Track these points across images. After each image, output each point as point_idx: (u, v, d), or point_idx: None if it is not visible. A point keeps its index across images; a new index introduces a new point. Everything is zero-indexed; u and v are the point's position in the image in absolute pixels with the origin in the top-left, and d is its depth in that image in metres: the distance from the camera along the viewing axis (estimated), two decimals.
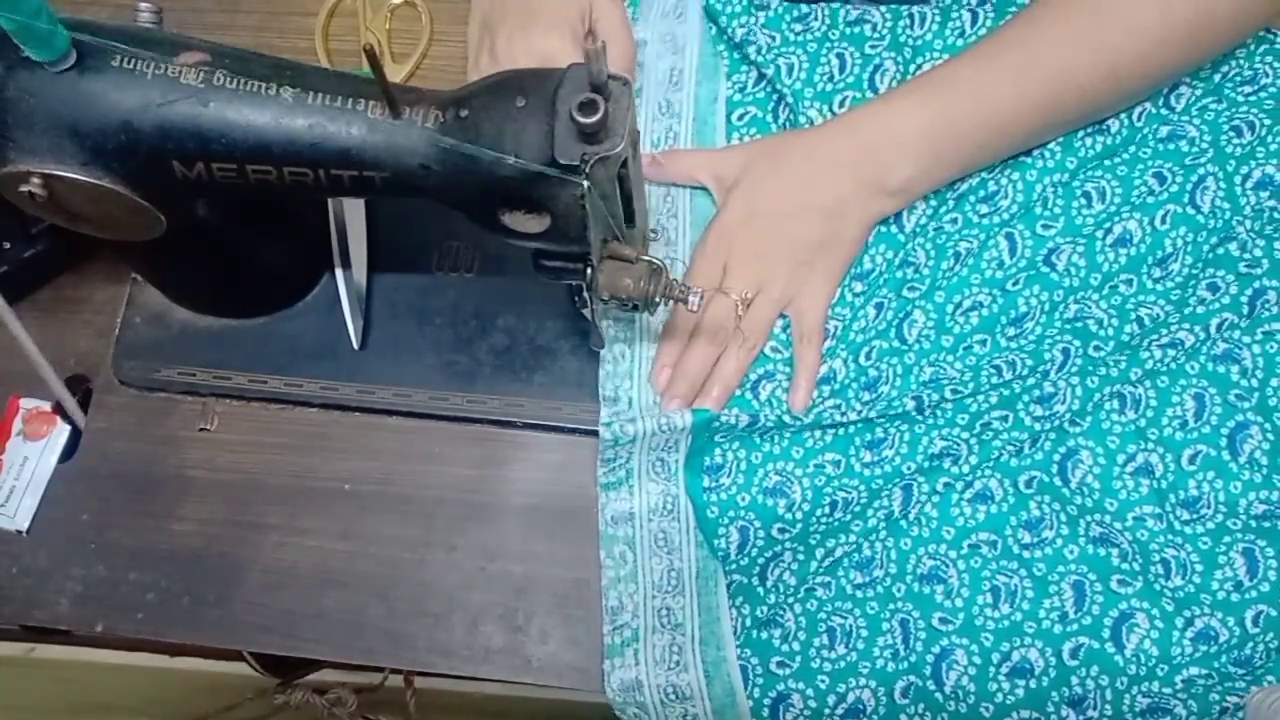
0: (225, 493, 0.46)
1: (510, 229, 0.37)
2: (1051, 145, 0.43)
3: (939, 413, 0.41)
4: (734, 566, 0.41)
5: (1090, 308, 0.41)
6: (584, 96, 0.32)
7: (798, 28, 0.47)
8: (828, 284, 0.43)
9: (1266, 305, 0.39)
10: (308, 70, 0.37)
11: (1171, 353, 0.40)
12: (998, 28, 0.42)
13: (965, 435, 0.40)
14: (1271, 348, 0.39)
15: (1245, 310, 0.40)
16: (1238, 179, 0.41)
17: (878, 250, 0.44)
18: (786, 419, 0.41)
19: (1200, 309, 0.40)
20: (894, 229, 0.44)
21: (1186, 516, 0.38)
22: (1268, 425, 0.38)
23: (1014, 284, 0.42)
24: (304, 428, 0.47)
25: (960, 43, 0.45)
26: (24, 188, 0.35)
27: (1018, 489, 0.40)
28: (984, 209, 0.44)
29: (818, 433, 0.41)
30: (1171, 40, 0.39)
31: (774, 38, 0.47)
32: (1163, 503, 0.38)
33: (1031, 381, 0.41)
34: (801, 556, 0.40)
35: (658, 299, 0.40)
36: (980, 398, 0.41)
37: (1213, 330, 0.40)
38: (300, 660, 0.67)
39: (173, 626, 0.44)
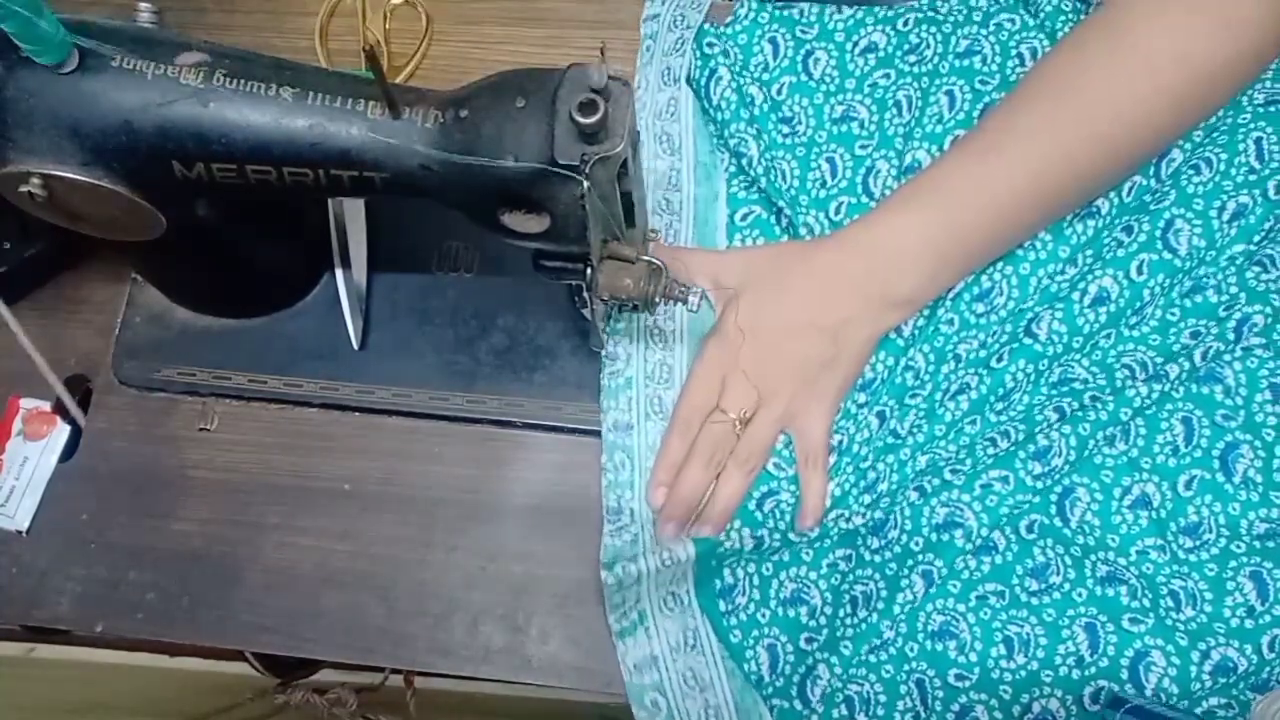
0: (225, 493, 0.46)
1: (510, 229, 0.37)
2: (1042, 234, 0.42)
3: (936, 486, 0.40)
4: (771, 690, 0.39)
5: (1074, 368, 0.40)
6: (584, 97, 0.32)
7: (785, 130, 0.46)
8: (831, 404, 0.41)
9: (1253, 329, 0.39)
10: (308, 70, 0.37)
11: (1157, 386, 0.39)
12: (985, 118, 0.41)
13: (966, 498, 0.39)
14: (1252, 363, 0.38)
15: (1231, 338, 0.39)
16: (1212, 213, 0.41)
17: (879, 359, 0.43)
18: (792, 536, 0.40)
19: (1183, 352, 0.40)
20: (893, 335, 0.43)
21: (1190, 544, 0.38)
22: (1257, 443, 0.38)
23: (998, 360, 0.41)
24: (304, 428, 0.47)
25: (939, 129, 0.43)
26: (24, 188, 0.35)
27: (1019, 535, 0.39)
28: (980, 308, 0.42)
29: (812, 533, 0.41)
30: (1162, 109, 0.37)
31: (763, 139, 0.46)
32: (1164, 533, 0.38)
33: (1024, 437, 0.40)
34: (838, 669, 0.39)
35: (657, 299, 0.40)
36: (978, 465, 0.40)
37: (1197, 360, 0.39)
38: (300, 660, 0.67)
39: (173, 626, 0.44)
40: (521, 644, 0.43)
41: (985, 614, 0.38)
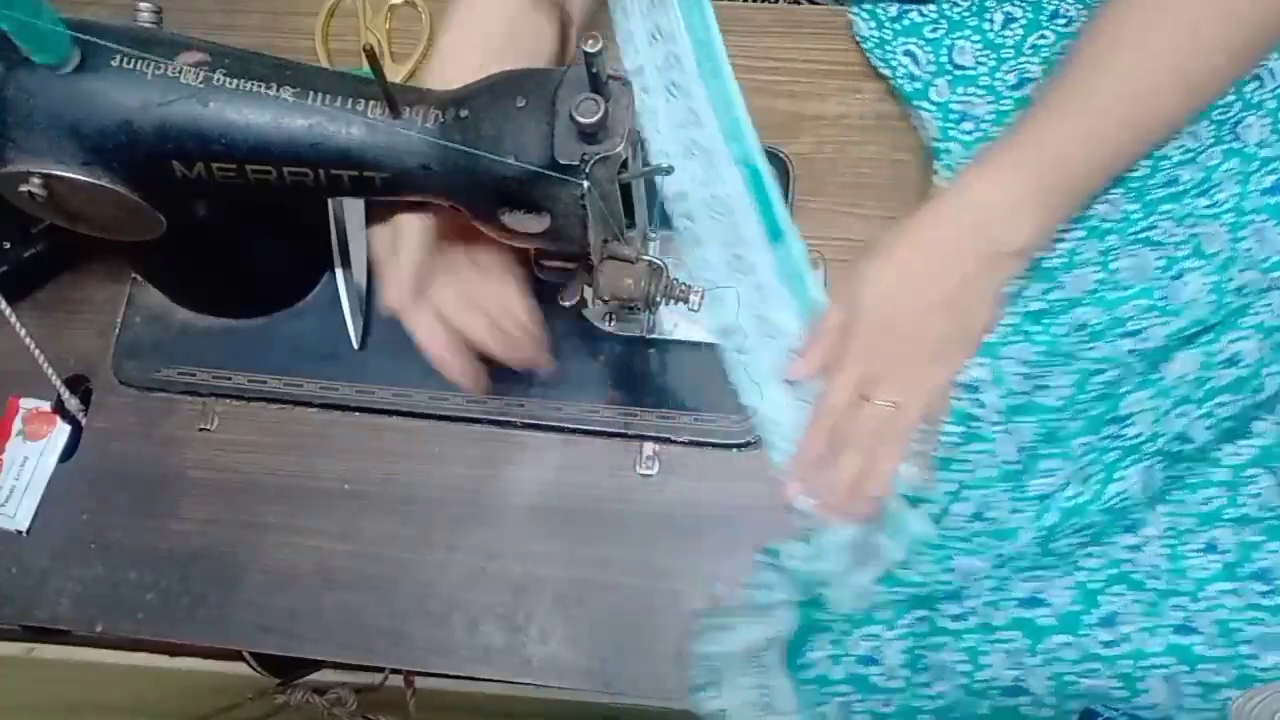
0: (225, 493, 0.46)
1: (510, 229, 0.37)
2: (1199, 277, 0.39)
3: (1020, 557, 0.38)
4: None
5: (1192, 429, 0.38)
6: (584, 96, 0.32)
7: (967, 127, 0.46)
8: (946, 384, 0.41)
9: None
10: (308, 70, 0.37)
11: (1246, 445, 0.38)
12: (1069, 62, 0.40)
13: (1053, 575, 0.38)
14: None
15: None
16: None
17: (1024, 378, 0.40)
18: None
19: None
20: (1037, 360, 0.40)
21: (1263, 588, 0.36)
22: None
23: (1122, 386, 0.39)
24: (304, 428, 0.47)
25: None
26: (24, 188, 0.35)
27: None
28: (1127, 342, 0.40)
29: (899, 588, 0.39)
30: (1235, 35, 0.38)
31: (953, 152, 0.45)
32: (1233, 577, 0.37)
33: (1115, 504, 0.38)
34: None
35: (658, 299, 0.40)
36: (1067, 540, 0.38)
37: None
38: (300, 660, 0.67)
39: (173, 626, 0.44)
40: (522, 644, 0.43)
41: (1059, 667, 0.36)
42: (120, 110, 0.34)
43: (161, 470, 0.46)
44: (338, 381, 0.47)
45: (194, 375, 0.47)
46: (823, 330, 0.42)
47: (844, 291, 0.42)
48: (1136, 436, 0.38)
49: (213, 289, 0.47)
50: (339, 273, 0.48)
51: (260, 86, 0.35)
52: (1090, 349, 0.40)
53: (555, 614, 0.43)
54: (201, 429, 0.47)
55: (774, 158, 0.48)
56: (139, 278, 0.48)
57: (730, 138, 0.47)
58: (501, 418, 0.46)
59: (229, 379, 0.47)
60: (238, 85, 0.35)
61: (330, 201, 0.48)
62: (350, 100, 0.36)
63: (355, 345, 0.47)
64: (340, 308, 0.47)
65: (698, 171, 0.47)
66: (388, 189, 0.37)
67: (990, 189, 0.39)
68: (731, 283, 0.44)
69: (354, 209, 0.48)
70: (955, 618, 0.38)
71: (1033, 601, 0.37)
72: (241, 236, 0.44)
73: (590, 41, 0.31)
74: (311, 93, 0.36)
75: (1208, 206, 0.41)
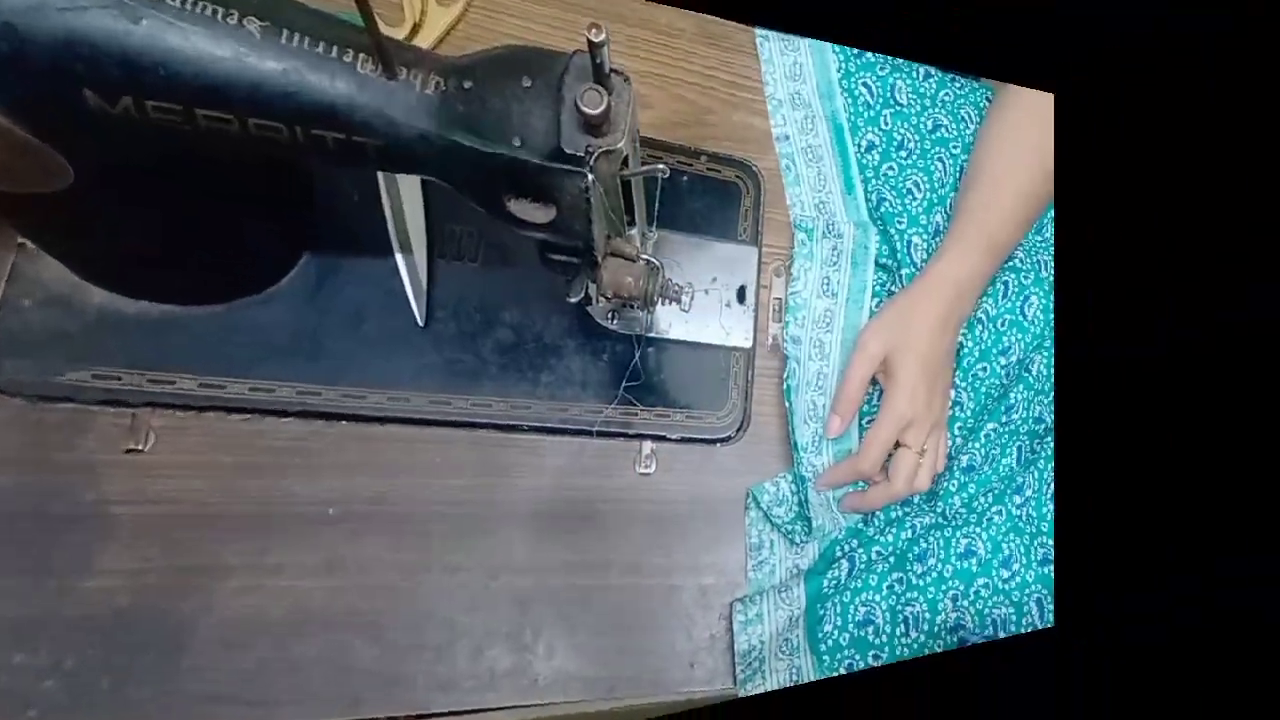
0: (163, 532, 0.28)
1: (516, 217, 0.26)
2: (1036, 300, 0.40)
3: (964, 515, 0.37)
4: None
5: (1045, 415, 0.40)
6: (588, 86, 0.23)
7: (903, 154, 0.43)
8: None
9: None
10: (284, 3, 0.22)
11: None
12: (975, 169, 0.40)
13: (979, 530, 0.37)
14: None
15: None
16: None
17: (960, 400, 0.40)
18: (874, 555, 0.37)
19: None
20: (969, 377, 0.40)
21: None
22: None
23: (1002, 388, 0.40)
24: (274, 442, 0.30)
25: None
26: None
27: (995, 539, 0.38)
28: (1002, 360, 0.41)
29: (884, 553, 0.38)
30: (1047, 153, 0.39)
31: (893, 168, 0.42)
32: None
33: (1008, 480, 0.38)
34: None
35: (656, 297, 0.31)
36: (983, 501, 0.38)
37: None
38: None
39: (85, 717, 0.25)
40: (528, 663, 0.30)
41: (982, 605, 0.36)
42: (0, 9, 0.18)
43: (66, 508, 0.27)
44: (319, 384, 0.30)
45: (118, 379, 0.28)
46: (857, 383, 0.38)
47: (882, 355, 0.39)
48: (1021, 421, 0.39)
49: (145, 264, 0.28)
50: (399, 257, 0.32)
51: (218, 11, 0.21)
52: (982, 368, 0.41)
53: (560, 625, 0.31)
54: (130, 450, 0.28)
55: (746, 169, 0.40)
56: (28, 244, 0.28)
57: (824, 96, 0.43)
58: (507, 421, 0.32)
59: (171, 383, 0.28)
60: (185, 2, 0.20)
61: (381, 177, 0.33)
62: (336, 48, 0.22)
63: (420, 323, 0.32)
64: (334, 300, 0.31)
65: (800, 120, 0.43)
66: (382, 159, 0.24)
67: (966, 271, 0.39)
68: (813, 224, 0.40)
69: (409, 185, 0.33)
70: (920, 575, 0.36)
71: (967, 554, 0.37)
72: (186, 197, 0.26)
73: (594, 30, 0.22)
74: (286, 30, 0.22)
75: (1040, 240, 0.42)
